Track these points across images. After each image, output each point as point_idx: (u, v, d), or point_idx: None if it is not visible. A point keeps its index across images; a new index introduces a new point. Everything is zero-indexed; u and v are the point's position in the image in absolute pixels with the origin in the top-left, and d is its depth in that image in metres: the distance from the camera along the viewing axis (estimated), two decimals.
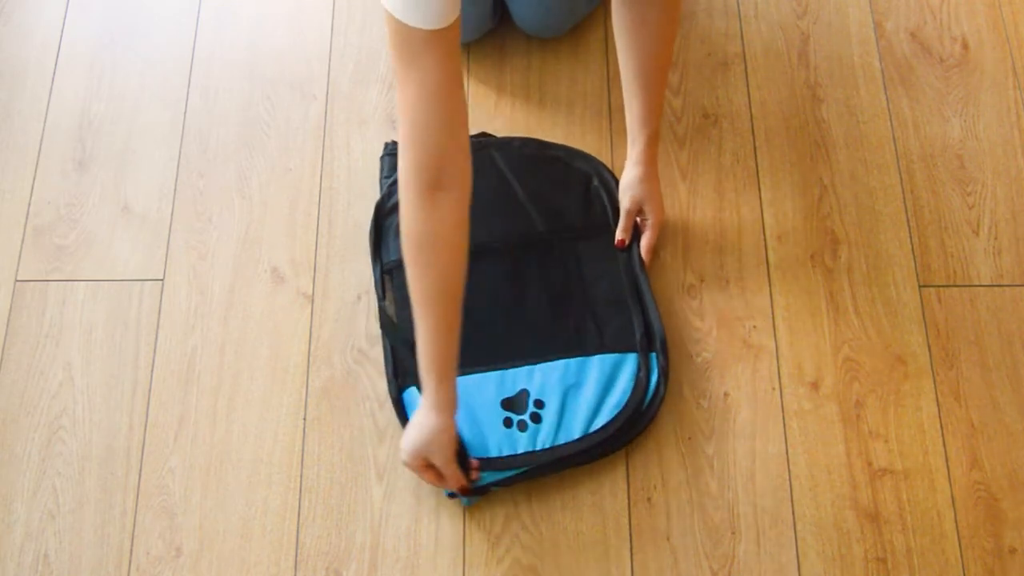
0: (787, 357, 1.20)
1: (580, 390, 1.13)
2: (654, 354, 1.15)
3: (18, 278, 1.24)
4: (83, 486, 1.14)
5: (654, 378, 1.14)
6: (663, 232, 1.25)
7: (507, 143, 1.28)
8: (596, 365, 1.14)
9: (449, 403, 1.02)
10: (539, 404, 1.12)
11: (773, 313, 1.22)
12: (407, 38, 0.88)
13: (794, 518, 1.12)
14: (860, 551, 1.11)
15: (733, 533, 1.11)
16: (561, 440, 1.10)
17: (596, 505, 1.12)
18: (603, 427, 1.11)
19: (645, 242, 1.20)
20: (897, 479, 1.14)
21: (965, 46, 1.40)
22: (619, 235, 1.20)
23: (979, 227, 1.28)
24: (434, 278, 0.97)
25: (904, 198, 1.29)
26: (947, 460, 1.15)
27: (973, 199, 1.30)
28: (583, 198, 1.24)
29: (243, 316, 1.22)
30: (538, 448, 1.10)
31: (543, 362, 1.14)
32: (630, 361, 1.14)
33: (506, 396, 1.13)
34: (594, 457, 1.12)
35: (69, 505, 1.13)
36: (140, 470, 1.14)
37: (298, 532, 1.11)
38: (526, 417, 1.11)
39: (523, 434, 1.11)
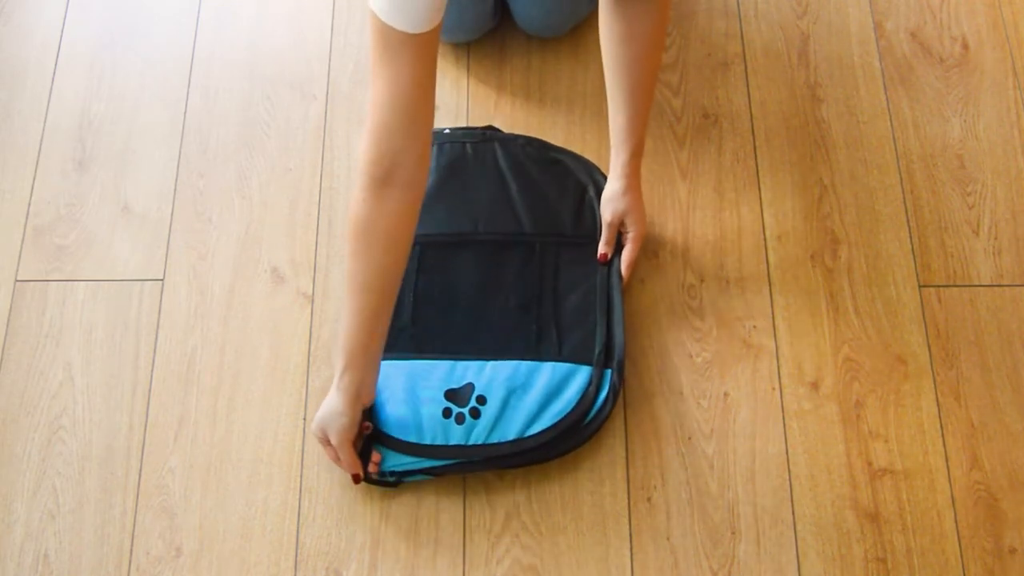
0: (787, 357, 1.20)
1: (525, 393, 1.12)
2: (609, 371, 1.14)
3: (18, 278, 1.24)
4: (83, 486, 1.14)
5: (602, 395, 1.13)
6: (662, 232, 1.25)
7: (511, 140, 1.28)
8: (547, 372, 1.14)
9: (353, 391, 1.04)
10: (481, 400, 1.12)
11: (773, 313, 1.22)
12: (387, 38, 0.90)
13: (794, 518, 1.12)
14: (860, 551, 1.11)
15: (733, 533, 1.11)
16: (494, 439, 1.10)
17: (596, 505, 1.12)
18: (538, 434, 1.11)
19: (625, 256, 1.19)
20: (897, 479, 1.14)
21: (965, 46, 1.40)
22: (601, 248, 1.20)
23: (979, 227, 1.28)
24: (368, 267, 1.00)
25: (904, 198, 1.29)
26: (947, 460, 1.15)
27: (973, 199, 1.30)
28: (575, 206, 1.24)
29: (243, 316, 1.22)
30: (470, 443, 1.10)
31: (496, 359, 1.14)
32: (582, 374, 1.14)
33: (451, 387, 1.13)
34: (526, 462, 1.12)
35: (69, 505, 1.13)
36: (140, 470, 1.14)
37: (298, 532, 1.11)
38: (465, 411, 1.11)
39: (459, 427, 1.10)
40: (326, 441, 1.08)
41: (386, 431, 1.10)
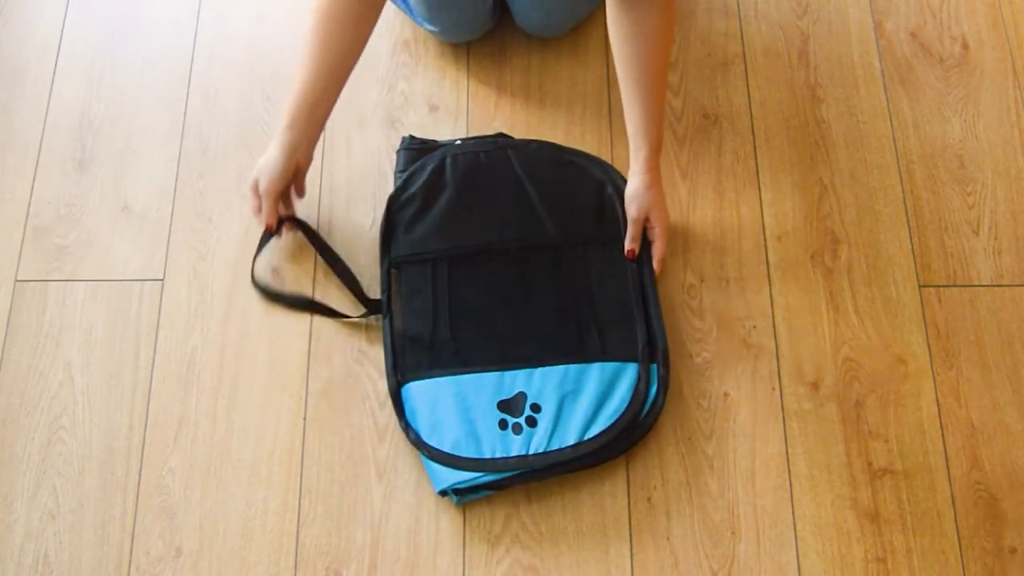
0: (787, 357, 1.20)
1: (578, 397, 1.12)
2: (655, 365, 1.15)
3: (18, 278, 1.24)
4: (83, 486, 1.14)
5: (653, 389, 1.14)
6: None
7: (524, 145, 1.27)
8: (596, 373, 1.14)
9: (291, 146, 1.14)
10: (535, 408, 1.12)
11: (773, 313, 1.22)
12: None
13: (794, 518, 1.12)
14: (860, 551, 1.11)
15: (733, 533, 1.11)
16: (554, 446, 1.10)
17: (596, 505, 1.12)
18: (597, 436, 1.11)
19: (655, 252, 1.20)
20: (897, 479, 1.14)
21: (965, 46, 1.40)
22: (628, 244, 1.20)
23: (979, 227, 1.28)
24: (327, 44, 1.10)
25: (904, 198, 1.29)
26: (947, 460, 1.15)
27: (973, 199, 1.30)
28: (596, 205, 1.24)
29: (243, 316, 1.22)
30: (531, 453, 1.10)
31: (543, 366, 1.14)
32: (630, 371, 1.14)
33: (503, 398, 1.13)
34: (587, 465, 1.12)
35: (69, 505, 1.13)
36: (140, 470, 1.14)
37: (298, 532, 1.11)
38: (521, 420, 1.11)
39: (517, 437, 1.10)
40: (255, 190, 1.17)
41: (444, 450, 1.10)
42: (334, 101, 1.15)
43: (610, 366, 1.14)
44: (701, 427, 1.16)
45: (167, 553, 1.11)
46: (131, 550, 1.11)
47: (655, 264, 1.20)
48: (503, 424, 1.11)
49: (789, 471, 1.14)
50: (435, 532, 1.11)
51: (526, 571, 1.10)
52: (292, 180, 1.19)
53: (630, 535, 1.11)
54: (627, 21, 1.09)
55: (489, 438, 1.10)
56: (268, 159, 1.15)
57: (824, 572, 1.10)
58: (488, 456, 1.09)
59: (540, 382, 1.13)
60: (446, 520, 1.12)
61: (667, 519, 1.12)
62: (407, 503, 1.12)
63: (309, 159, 1.18)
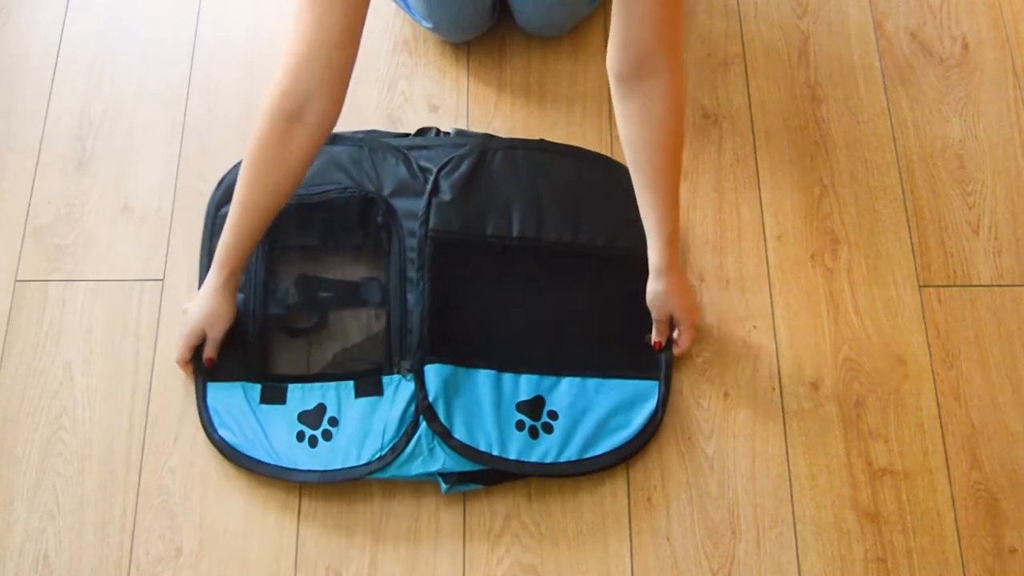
0: (787, 357, 1.20)
1: (594, 411, 1.13)
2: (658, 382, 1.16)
3: (18, 278, 1.24)
4: (83, 486, 1.14)
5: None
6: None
7: (568, 151, 1.28)
8: (615, 389, 1.14)
9: (234, 290, 1.12)
10: (553, 415, 1.12)
11: (773, 313, 1.22)
12: None
13: (794, 518, 1.12)
14: (860, 551, 1.11)
15: (733, 533, 1.11)
16: (565, 457, 1.11)
17: (596, 505, 1.12)
18: (607, 453, 1.12)
19: (680, 344, 1.16)
20: (897, 479, 1.14)
21: (965, 46, 1.40)
22: (654, 338, 1.16)
23: (979, 227, 1.28)
24: (264, 191, 1.04)
25: (904, 198, 1.29)
26: (947, 460, 1.15)
27: (973, 199, 1.30)
28: (625, 218, 1.17)
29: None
30: (547, 461, 1.10)
31: (561, 376, 1.15)
32: (649, 390, 1.15)
33: (522, 399, 1.13)
34: (591, 471, 1.12)
35: (69, 505, 1.13)
36: (140, 470, 1.14)
37: (298, 532, 1.11)
38: (539, 425, 1.12)
39: (534, 442, 1.11)
40: (199, 339, 1.13)
41: (456, 435, 1.09)
42: (257, 240, 1.11)
43: (630, 384, 1.15)
44: (701, 427, 1.16)
45: (167, 553, 1.11)
46: (131, 550, 1.11)
47: (675, 352, 1.17)
48: (520, 425, 1.11)
49: (789, 471, 1.14)
50: (435, 532, 1.11)
51: (526, 571, 1.10)
52: None
53: (630, 535, 1.11)
54: (631, 103, 1.02)
55: (510, 435, 1.10)
56: (212, 307, 1.11)
57: (824, 572, 1.10)
58: (513, 458, 1.09)
59: (558, 390, 1.14)
60: (446, 520, 1.12)
61: (667, 519, 1.12)
62: (407, 503, 1.12)
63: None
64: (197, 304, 1.13)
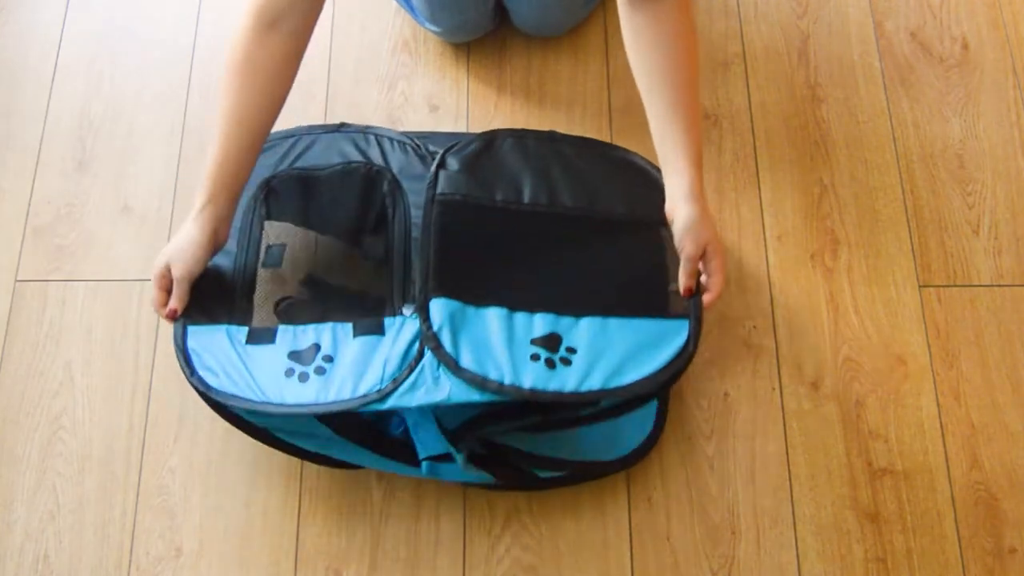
0: (787, 357, 1.20)
1: (616, 348, 1.02)
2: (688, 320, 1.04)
3: (18, 278, 1.24)
4: (83, 486, 1.14)
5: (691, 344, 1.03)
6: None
7: (581, 142, 1.21)
8: (641, 328, 1.03)
9: (213, 225, 1.00)
10: (571, 351, 1.01)
11: (773, 313, 1.22)
12: None
13: (794, 518, 1.12)
14: (860, 551, 1.11)
15: (733, 533, 1.11)
16: (586, 387, 0.99)
17: (596, 505, 1.12)
18: (637, 382, 1.00)
19: (711, 289, 1.04)
20: (897, 479, 1.14)
21: (965, 46, 1.40)
22: (685, 282, 1.03)
23: (979, 227, 1.28)
24: (244, 103, 0.99)
25: (904, 198, 1.29)
26: (947, 460, 1.15)
27: (973, 199, 1.30)
28: (645, 193, 1.12)
29: None
30: (566, 391, 0.98)
31: (582, 316, 1.04)
32: (678, 328, 1.03)
33: (537, 336, 1.02)
34: (616, 401, 1.05)
35: (69, 505, 1.13)
36: (140, 470, 1.14)
37: (298, 532, 1.11)
38: (556, 357, 1.01)
39: (551, 372, 0.99)
40: (165, 276, 1.00)
41: (463, 364, 0.98)
42: (253, 165, 1.03)
43: (657, 321, 1.04)
44: (701, 427, 1.16)
45: (167, 553, 1.11)
46: (131, 550, 1.11)
47: (705, 301, 1.04)
48: (535, 357, 1.00)
49: (789, 471, 1.14)
50: (435, 532, 1.11)
51: (526, 571, 1.10)
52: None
53: (630, 535, 1.11)
54: (644, 27, 0.99)
55: (524, 366, 0.99)
56: (185, 240, 1.00)
57: (824, 572, 1.10)
58: (528, 387, 0.98)
59: (577, 328, 1.03)
60: (446, 520, 1.12)
61: (667, 519, 1.12)
62: (407, 503, 1.12)
63: (227, 236, 1.04)
64: (176, 237, 1.03)
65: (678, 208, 1.01)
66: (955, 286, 1.24)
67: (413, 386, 0.97)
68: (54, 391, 1.18)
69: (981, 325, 1.22)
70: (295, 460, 1.14)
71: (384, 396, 0.96)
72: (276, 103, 1.02)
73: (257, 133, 1.01)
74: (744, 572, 1.10)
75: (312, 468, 1.14)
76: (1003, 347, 1.21)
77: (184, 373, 1.00)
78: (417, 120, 1.33)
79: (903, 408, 1.18)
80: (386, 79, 1.37)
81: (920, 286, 1.24)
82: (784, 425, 1.17)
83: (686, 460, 1.15)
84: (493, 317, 1.02)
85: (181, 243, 1.00)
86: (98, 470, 1.14)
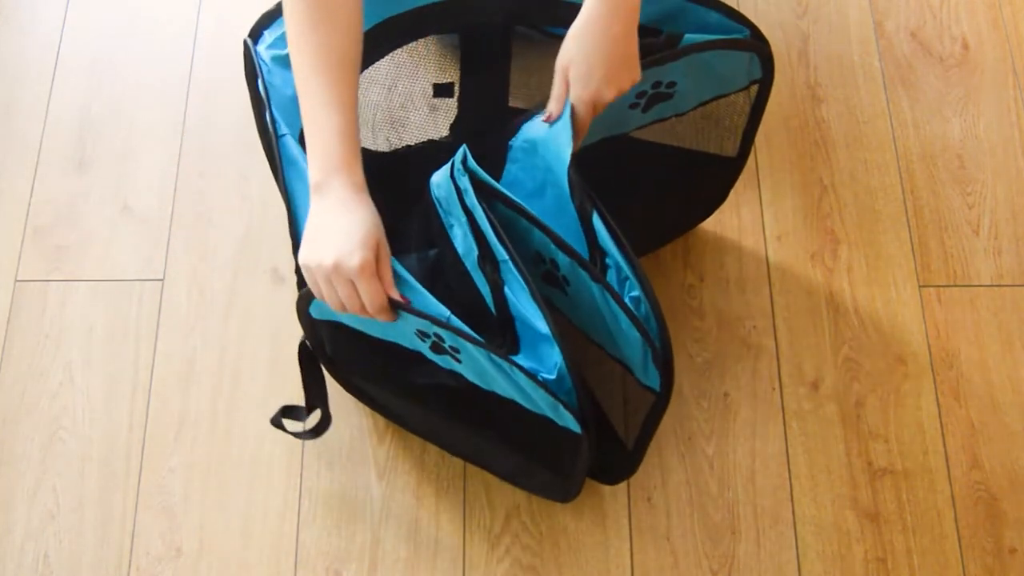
0: (787, 357, 1.20)
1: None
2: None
3: (18, 278, 1.24)
4: (83, 486, 1.14)
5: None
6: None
7: None
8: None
9: (365, 188, 0.78)
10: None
11: (773, 313, 1.22)
12: None
13: (794, 518, 1.12)
14: (860, 551, 1.11)
15: (733, 533, 1.11)
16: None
17: (596, 505, 1.12)
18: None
19: (549, 106, 0.85)
20: (897, 479, 1.14)
21: (965, 46, 1.40)
22: (549, 105, 0.86)
23: (979, 227, 1.28)
24: (335, 42, 0.79)
25: (904, 198, 1.29)
26: (947, 460, 1.15)
27: (973, 199, 1.30)
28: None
29: (243, 316, 1.22)
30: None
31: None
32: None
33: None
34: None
35: (69, 505, 1.13)
36: (140, 470, 1.14)
37: (298, 532, 1.11)
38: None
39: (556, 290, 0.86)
40: (373, 263, 0.76)
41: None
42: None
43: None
44: (701, 427, 1.16)
45: (167, 553, 1.11)
46: (131, 550, 1.11)
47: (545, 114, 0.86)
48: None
49: (789, 471, 1.15)
50: (435, 532, 1.11)
51: (526, 571, 1.10)
52: None
53: (630, 535, 1.11)
54: None
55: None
56: (371, 218, 0.77)
57: (824, 572, 1.10)
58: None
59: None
60: (446, 520, 1.12)
61: (667, 519, 1.12)
62: (407, 503, 1.12)
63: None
64: (344, 221, 0.76)
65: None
66: (955, 286, 1.24)
67: None
68: (54, 391, 1.18)
69: (981, 325, 1.22)
70: (295, 460, 1.14)
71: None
72: (359, 31, 0.82)
73: (352, 70, 0.81)
74: (744, 572, 1.10)
75: (312, 468, 1.14)
76: (1003, 347, 1.21)
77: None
78: (417, 120, 1.33)
79: (903, 408, 1.18)
80: (386, 79, 1.37)
81: (920, 286, 1.24)
82: (784, 425, 1.17)
83: (686, 460, 1.15)
84: None
85: (373, 218, 0.77)
86: (98, 470, 1.14)
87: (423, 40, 1.27)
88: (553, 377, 0.80)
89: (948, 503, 1.13)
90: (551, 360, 0.81)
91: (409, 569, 1.10)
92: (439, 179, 0.86)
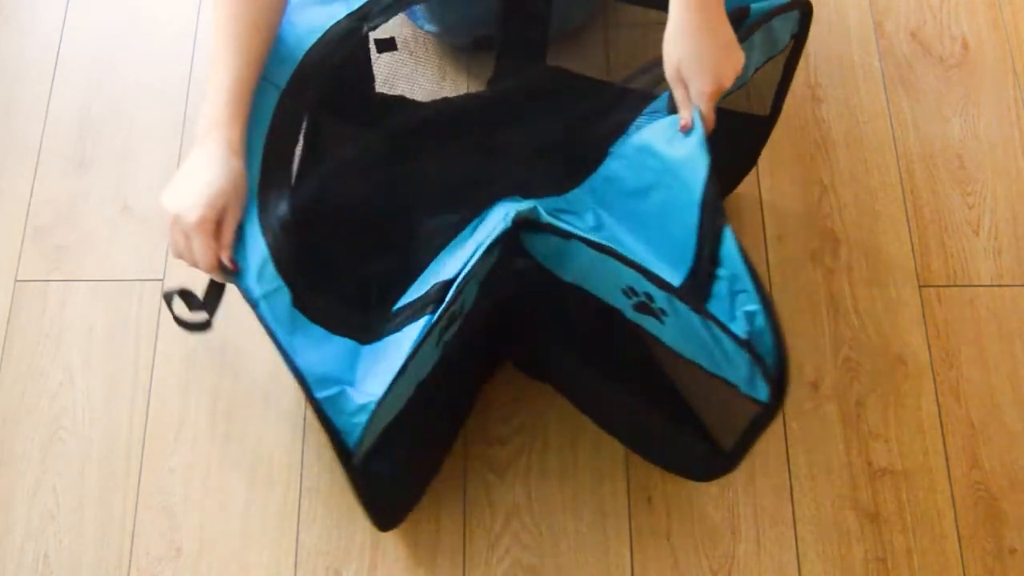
0: None
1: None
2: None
3: (18, 278, 1.24)
4: (83, 486, 1.14)
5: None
6: None
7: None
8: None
9: (239, 143, 0.82)
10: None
11: None
12: None
13: (794, 518, 1.12)
14: (860, 551, 1.11)
15: (733, 533, 1.11)
16: None
17: (596, 505, 1.12)
18: None
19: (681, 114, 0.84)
20: (897, 479, 1.14)
21: (965, 46, 1.40)
22: (675, 111, 0.86)
23: (979, 227, 1.28)
24: (245, 11, 0.83)
25: (904, 198, 1.29)
26: (947, 460, 1.15)
27: (973, 199, 1.30)
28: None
29: (243, 316, 1.22)
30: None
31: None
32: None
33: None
34: None
35: (69, 505, 1.13)
36: (140, 470, 1.14)
37: (298, 532, 1.11)
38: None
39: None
40: (213, 221, 0.80)
41: None
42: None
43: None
44: None
45: (167, 553, 1.11)
46: (131, 550, 1.11)
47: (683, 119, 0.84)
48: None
49: (789, 471, 1.14)
50: (435, 532, 1.11)
51: (526, 571, 1.10)
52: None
53: (630, 535, 1.11)
54: None
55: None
56: (234, 174, 0.80)
57: (824, 572, 1.10)
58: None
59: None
60: (446, 520, 1.12)
61: (667, 519, 1.12)
62: None
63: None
64: (202, 174, 0.80)
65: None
66: (955, 286, 1.24)
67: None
68: (54, 391, 1.18)
69: (981, 325, 1.22)
70: (295, 460, 1.14)
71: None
72: (281, 8, 0.87)
73: (263, 41, 0.85)
74: (744, 572, 1.10)
75: (312, 468, 1.14)
76: (1003, 347, 1.21)
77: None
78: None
79: (903, 408, 1.18)
80: (386, 79, 1.37)
81: (920, 286, 1.24)
82: (784, 425, 1.17)
83: None
84: None
85: (230, 178, 0.80)
86: (98, 470, 1.14)
87: (423, 40, 1.27)
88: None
89: (948, 503, 1.13)
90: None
91: (409, 569, 1.10)
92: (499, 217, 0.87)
